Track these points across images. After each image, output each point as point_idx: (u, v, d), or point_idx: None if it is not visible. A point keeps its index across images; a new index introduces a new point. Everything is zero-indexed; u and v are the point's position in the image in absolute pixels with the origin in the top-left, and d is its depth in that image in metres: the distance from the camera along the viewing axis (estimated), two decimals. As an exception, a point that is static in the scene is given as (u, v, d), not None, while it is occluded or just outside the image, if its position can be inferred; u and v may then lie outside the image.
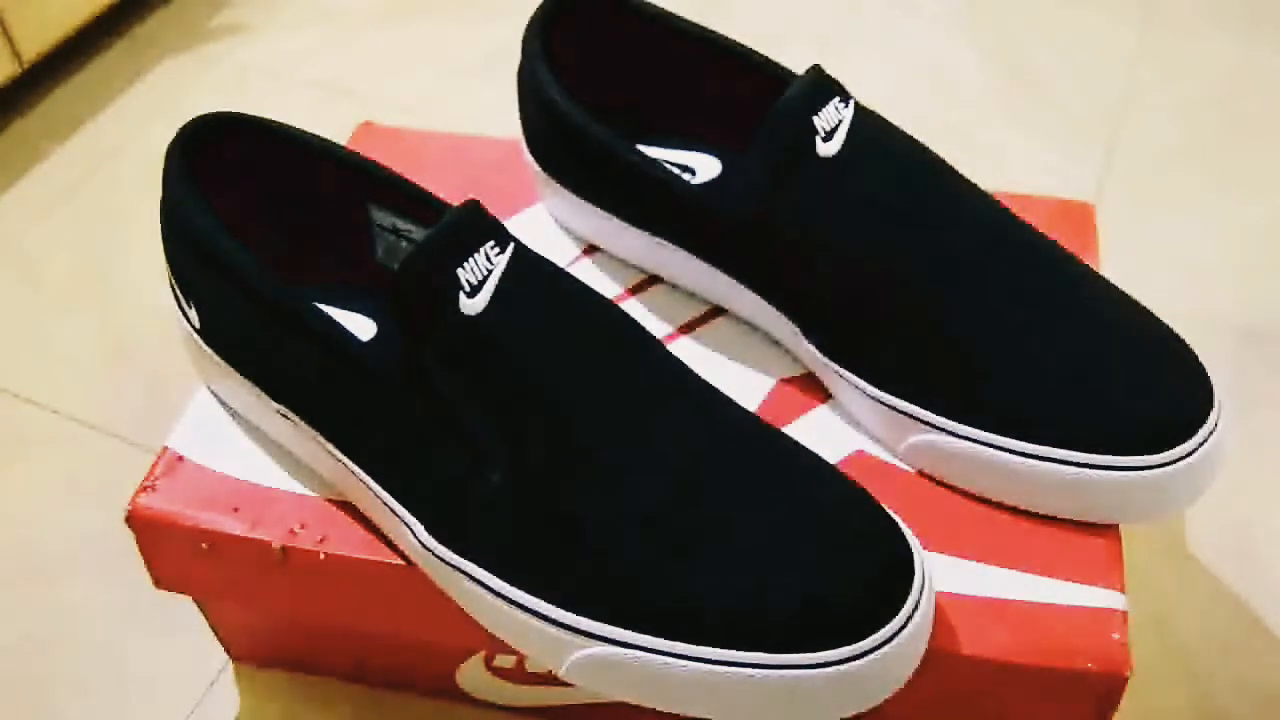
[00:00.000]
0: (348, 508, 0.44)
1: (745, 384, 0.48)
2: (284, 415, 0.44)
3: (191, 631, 0.54)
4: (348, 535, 0.43)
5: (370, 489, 0.41)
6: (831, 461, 0.43)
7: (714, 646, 0.36)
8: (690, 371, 0.41)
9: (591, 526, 0.37)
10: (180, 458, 0.46)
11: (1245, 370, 0.66)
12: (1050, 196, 0.56)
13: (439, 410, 0.38)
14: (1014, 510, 0.43)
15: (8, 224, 0.80)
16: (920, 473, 0.44)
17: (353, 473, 0.41)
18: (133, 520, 0.44)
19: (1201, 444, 0.40)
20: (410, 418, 0.39)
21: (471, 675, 0.50)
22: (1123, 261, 0.72)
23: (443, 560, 0.39)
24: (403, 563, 0.42)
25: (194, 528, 0.44)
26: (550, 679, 0.49)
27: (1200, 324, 0.69)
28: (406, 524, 0.40)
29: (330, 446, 0.42)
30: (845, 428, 0.46)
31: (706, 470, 0.38)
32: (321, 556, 0.43)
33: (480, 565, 0.38)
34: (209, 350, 0.45)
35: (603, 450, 0.38)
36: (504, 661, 0.49)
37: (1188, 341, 0.43)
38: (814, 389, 0.47)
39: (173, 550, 0.45)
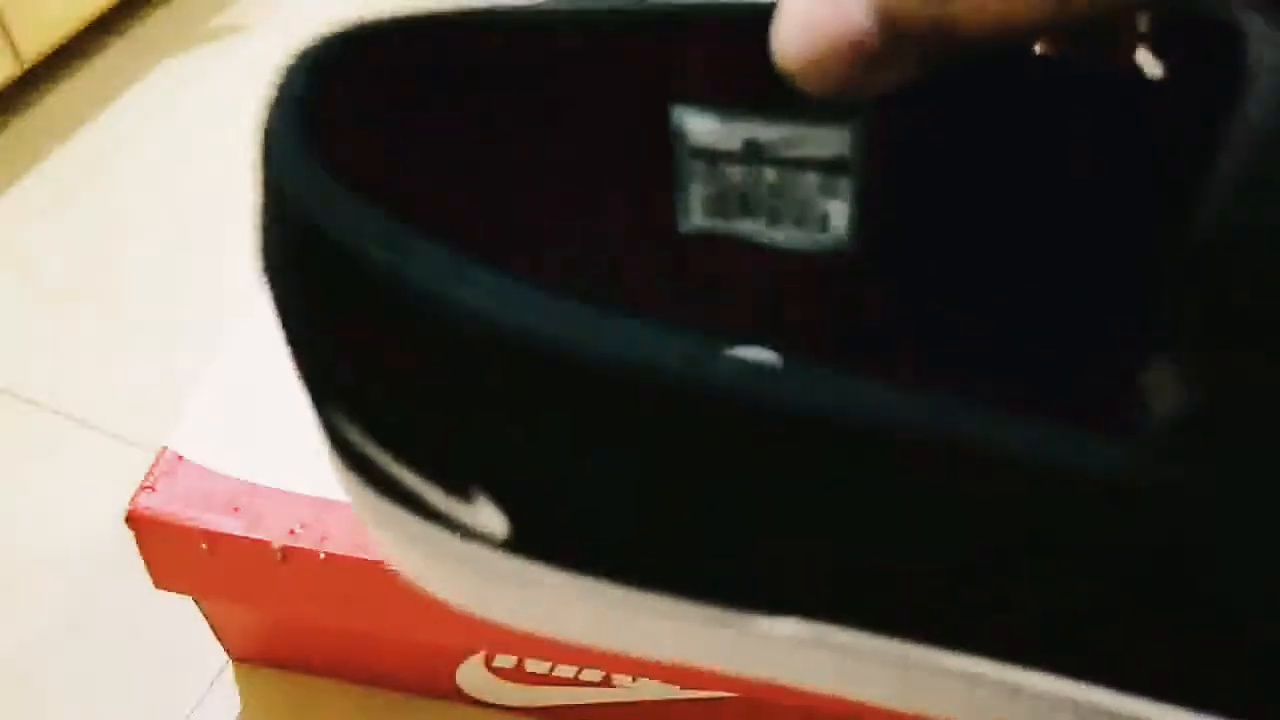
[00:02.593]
0: (346, 508, 0.44)
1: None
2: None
3: (191, 631, 0.54)
4: (348, 535, 0.43)
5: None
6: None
7: None
8: None
9: None
10: (179, 458, 0.46)
11: None
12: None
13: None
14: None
15: (7, 223, 0.80)
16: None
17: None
18: (132, 521, 0.44)
19: None
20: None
21: (471, 675, 0.50)
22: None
23: None
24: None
25: (193, 528, 0.43)
26: (552, 679, 0.49)
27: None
28: None
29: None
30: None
31: None
32: (321, 556, 0.42)
33: None
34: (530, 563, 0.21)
35: None
36: (504, 662, 0.48)
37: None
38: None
39: (172, 551, 0.45)
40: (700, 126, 0.23)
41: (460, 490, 0.20)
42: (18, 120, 0.88)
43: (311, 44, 0.21)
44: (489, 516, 0.20)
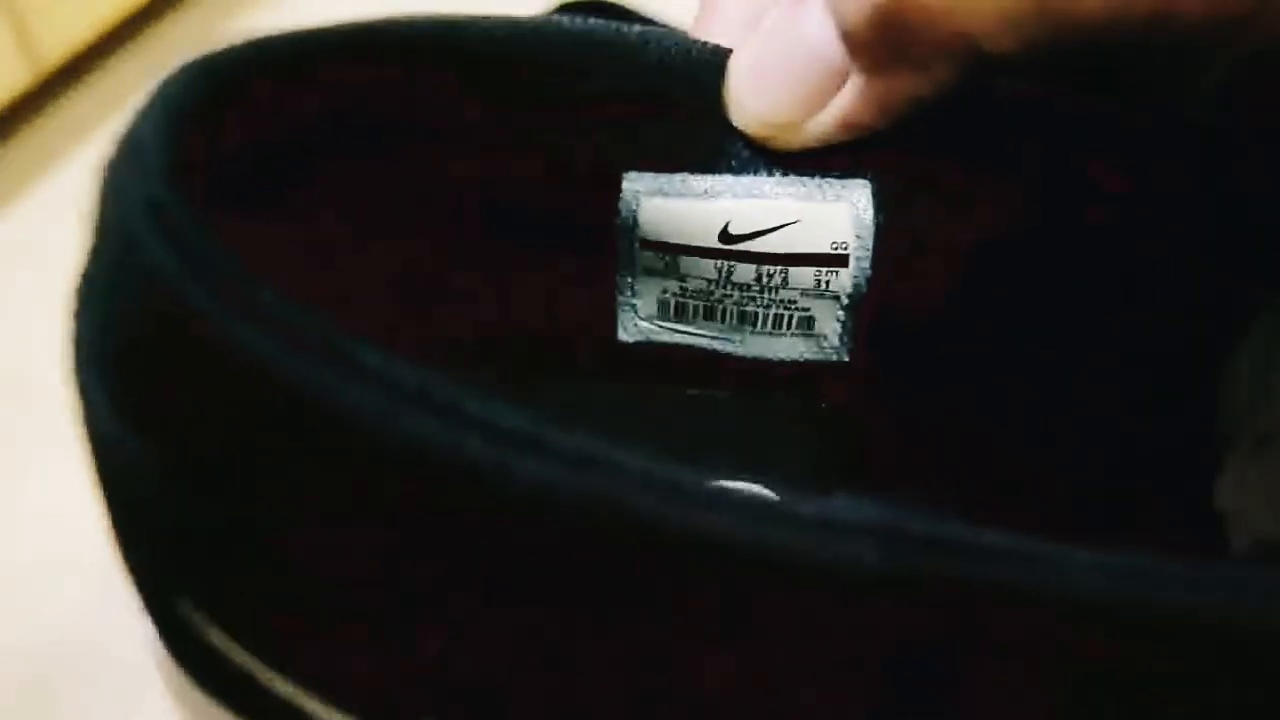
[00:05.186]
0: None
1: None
2: None
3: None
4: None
5: None
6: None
7: None
8: None
9: None
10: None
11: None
12: None
13: None
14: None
15: (28, 226, 0.80)
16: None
17: None
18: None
19: None
20: None
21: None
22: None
23: None
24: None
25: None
26: None
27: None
28: None
29: None
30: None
31: None
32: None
33: None
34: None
35: None
36: None
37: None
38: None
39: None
40: (656, 208, 0.16)
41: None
42: (39, 123, 0.89)
43: (166, 86, 0.15)
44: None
